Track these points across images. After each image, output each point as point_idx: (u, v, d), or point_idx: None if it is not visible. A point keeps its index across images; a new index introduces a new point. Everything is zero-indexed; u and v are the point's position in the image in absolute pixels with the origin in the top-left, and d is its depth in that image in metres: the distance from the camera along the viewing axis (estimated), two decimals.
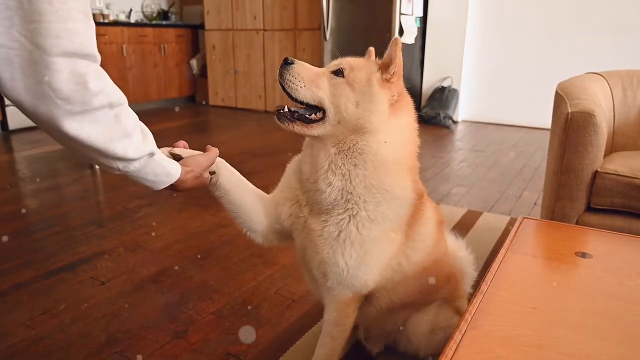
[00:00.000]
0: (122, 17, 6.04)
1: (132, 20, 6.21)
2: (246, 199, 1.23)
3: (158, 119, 5.40)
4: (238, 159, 3.65)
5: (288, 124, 1.06)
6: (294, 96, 1.04)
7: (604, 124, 1.67)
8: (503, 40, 5.08)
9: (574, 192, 1.71)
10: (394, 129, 1.04)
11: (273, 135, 4.63)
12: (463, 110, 5.43)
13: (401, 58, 1.03)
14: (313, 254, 1.11)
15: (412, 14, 4.94)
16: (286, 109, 1.07)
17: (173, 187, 1.10)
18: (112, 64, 5.45)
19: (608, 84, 2.09)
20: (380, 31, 4.80)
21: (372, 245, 1.08)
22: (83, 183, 3.11)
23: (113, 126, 0.90)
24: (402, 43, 4.75)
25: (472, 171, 3.45)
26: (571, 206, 1.73)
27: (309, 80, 1.02)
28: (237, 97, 6.15)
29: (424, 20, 5.25)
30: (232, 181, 1.24)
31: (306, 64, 1.05)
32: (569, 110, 1.67)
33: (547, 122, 2.19)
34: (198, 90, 6.59)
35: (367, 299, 1.18)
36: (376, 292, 1.17)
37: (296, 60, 1.04)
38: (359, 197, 1.05)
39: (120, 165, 0.93)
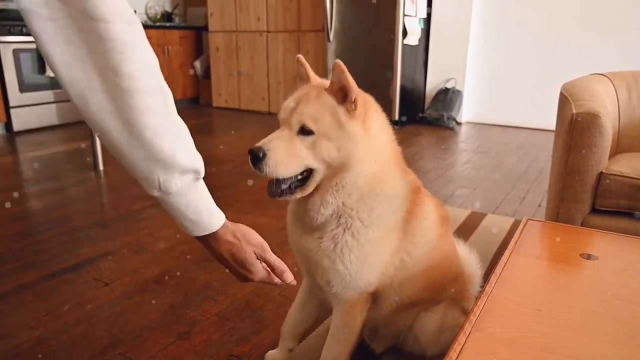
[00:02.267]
0: None
1: None
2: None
3: None
4: (241, 161, 3.66)
5: (291, 196, 1.04)
6: (282, 178, 1.01)
7: (609, 125, 1.66)
8: (507, 41, 5.07)
9: (578, 193, 1.70)
10: (374, 143, 1.05)
11: None
12: (467, 112, 5.42)
13: (352, 81, 0.99)
14: (313, 265, 1.13)
15: (415, 15, 4.93)
16: (274, 184, 1.03)
17: (208, 243, 0.94)
18: None
19: (613, 85, 2.08)
20: (383, 32, 4.80)
21: (371, 247, 1.08)
22: (87, 184, 3.12)
23: (164, 114, 0.82)
24: (406, 44, 4.72)
25: (476, 173, 3.45)
26: (576, 208, 1.72)
27: (288, 158, 0.99)
28: (240, 98, 6.15)
29: (427, 21, 5.25)
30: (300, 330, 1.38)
31: (274, 142, 0.99)
32: (574, 111, 1.67)
33: (551, 123, 2.18)
34: (201, 91, 6.60)
35: (375, 300, 1.18)
36: (382, 291, 1.16)
37: (264, 147, 0.99)
38: (352, 210, 1.06)
39: (162, 176, 0.81)
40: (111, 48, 0.72)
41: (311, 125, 0.99)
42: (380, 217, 1.07)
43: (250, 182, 3.08)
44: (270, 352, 1.41)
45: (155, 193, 0.83)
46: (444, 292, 1.29)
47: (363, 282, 1.10)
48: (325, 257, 1.09)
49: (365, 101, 1.05)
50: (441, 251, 1.23)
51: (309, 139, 0.99)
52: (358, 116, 1.01)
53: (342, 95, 1.00)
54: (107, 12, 0.70)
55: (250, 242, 0.97)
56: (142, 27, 0.77)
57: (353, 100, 0.99)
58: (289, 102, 1.04)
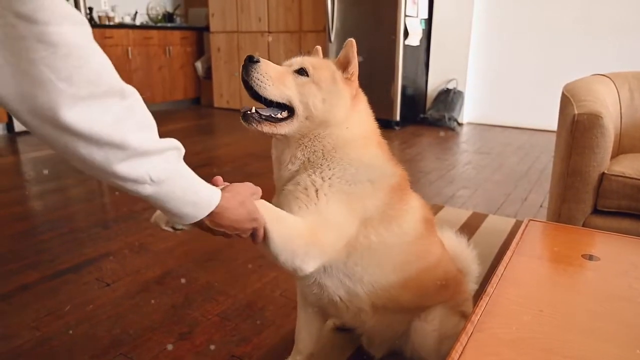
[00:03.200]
0: (128, 20, 6.06)
1: (137, 22, 6.23)
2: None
3: (163, 121, 5.41)
4: (242, 161, 3.66)
5: (256, 125, 1.06)
6: (262, 94, 1.04)
7: (610, 125, 1.66)
8: (508, 42, 5.06)
9: (580, 194, 1.70)
10: (355, 117, 1.11)
11: None
12: (468, 113, 5.41)
13: (357, 59, 1.10)
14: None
15: (417, 16, 4.93)
16: (253, 110, 1.07)
17: (214, 220, 0.85)
18: (117, 66, 5.29)
19: (615, 85, 2.08)
20: (385, 33, 4.80)
21: (338, 197, 1.04)
22: (88, 185, 3.12)
23: (126, 117, 0.71)
24: (407, 45, 4.72)
25: (478, 173, 3.44)
26: (577, 208, 1.72)
27: (276, 79, 1.03)
28: (242, 99, 6.15)
29: (429, 22, 5.25)
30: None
31: (270, 62, 1.06)
32: (576, 112, 1.67)
33: (552, 124, 2.18)
34: (203, 92, 6.60)
35: (350, 276, 1.12)
36: (348, 261, 1.10)
37: (261, 58, 1.04)
38: (320, 165, 1.08)
39: (146, 165, 0.73)
40: (65, 54, 0.62)
41: (309, 69, 1.06)
42: (354, 175, 1.07)
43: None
44: None
45: (148, 189, 0.74)
46: (431, 298, 1.25)
47: (326, 215, 1.04)
48: (300, 193, 1.05)
49: (359, 91, 1.15)
50: (420, 251, 1.18)
51: (302, 79, 1.05)
52: (351, 85, 1.10)
53: (344, 67, 1.10)
54: (50, 14, 0.60)
55: (245, 191, 0.92)
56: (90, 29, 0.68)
57: (351, 72, 1.09)
58: (298, 57, 1.12)
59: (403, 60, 4.84)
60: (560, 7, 4.75)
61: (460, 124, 5.28)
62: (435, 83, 5.40)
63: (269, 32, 5.67)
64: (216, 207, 0.84)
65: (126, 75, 5.60)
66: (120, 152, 0.69)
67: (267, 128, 1.06)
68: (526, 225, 1.31)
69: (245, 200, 0.90)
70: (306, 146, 1.08)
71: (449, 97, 5.17)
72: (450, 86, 5.27)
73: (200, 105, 6.63)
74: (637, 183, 1.62)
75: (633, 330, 0.84)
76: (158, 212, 0.93)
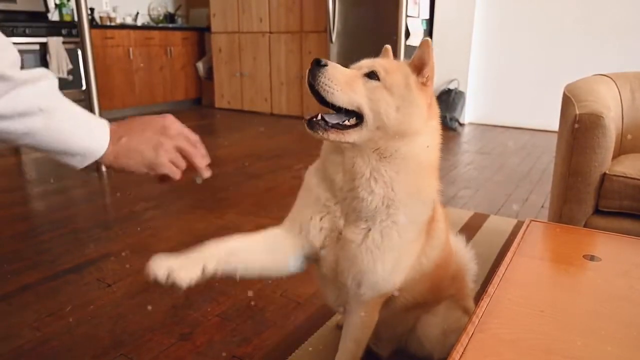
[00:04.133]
0: (129, 20, 6.07)
1: (139, 23, 6.24)
2: (261, 259, 1.11)
3: None
4: (243, 162, 3.66)
5: (323, 133, 0.98)
6: (329, 100, 0.97)
7: (612, 126, 1.65)
8: (509, 42, 5.06)
9: (581, 194, 1.70)
10: (432, 132, 1.03)
11: (279, 138, 4.64)
12: (469, 113, 5.41)
13: (433, 61, 1.00)
14: (349, 265, 1.05)
15: (418, 16, 4.93)
16: (319, 117, 1.00)
17: (118, 156, 0.79)
18: (118, 67, 5.48)
19: (616, 85, 2.07)
20: (386, 33, 4.79)
21: (406, 249, 1.06)
22: (89, 186, 3.12)
23: None
24: (409, 45, 4.69)
25: (479, 174, 3.44)
26: (579, 209, 1.72)
27: (345, 84, 0.96)
28: (243, 99, 6.16)
29: (430, 22, 5.24)
30: (231, 260, 1.08)
31: (338, 65, 0.99)
32: (577, 112, 1.66)
33: (553, 124, 2.18)
34: (204, 92, 6.61)
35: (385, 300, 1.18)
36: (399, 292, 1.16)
37: (328, 62, 0.98)
38: (400, 203, 1.01)
39: (21, 100, 0.66)
40: None
41: (380, 72, 0.97)
42: (419, 216, 1.05)
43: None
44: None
45: (38, 122, 0.67)
46: (445, 291, 1.28)
47: (390, 284, 1.08)
48: (367, 254, 1.02)
49: (434, 98, 1.05)
50: (446, 251, 1.23)
51: (373, 83, 0.97)
52: (426, 91, 1.00)
53: (418, 70, 1.00)
54: None
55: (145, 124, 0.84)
56: None
57: (426, 75, 0.99)
58: (368, 59, 1.05)
59: (404, 60, 4.83)
60: (562, 8, 4.74)
61: (461, 124, 5.27)
62: (436, 83, 5.39)
63: (270, 32, 5.67)
64: (109, 142, 0.76)
65: (127, 75, 5.61)
66: (2, 84, 0.64)
67: (333, 136, 0.97)
68: (527, 226, 1.31)
69: (146, 128, 0.83)
70: (389, 162, 0.98)
71: (450, 98, 5.16)
72: (452, 86, 5.26)
73: (201, 106, 6.63)
74: (639, 183, 1.62)
75: (634, 331, 0.84)
76: (156, 262, 0.92)
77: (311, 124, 0.99)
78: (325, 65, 0.96)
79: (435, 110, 1.06)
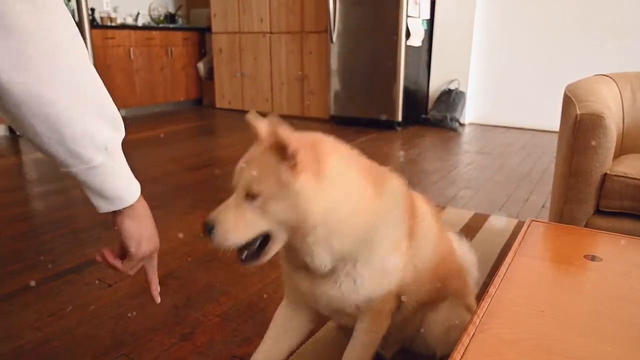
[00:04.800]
0: (130, 21, 6.07)
1: (140, 23, 6.24)
2: (288, 341, 1.26)
3: (165, 122, 5.42)
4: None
5: (258, 261, 1.00)
6: (238, 248, 0.98)
7: (613, 126, 1.65)
8: (510, 42, 5.06)
9: (582, 194, 1.70)
10: (334, 192, 0.97)
11: None
12: (470, 113, 5.41)
13: (287, 134, 0.91)
14: (340, 305, 1.10)
15: (418, 17, 4.93)
16: (243, 252, 1.01)
17: (132, 215, 0.85)
18: (119, 67, 5.48)
19: (617, 86, 2.07)
20: (386, 33, 4.80)
21: (383, 270, 1.08)
22: None
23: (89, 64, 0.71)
24: (409, 45, 4.69)
25: (479, 174, 3.44)
26: (580, 209, 1.71)
27: (237, 228, 0.95)
28: (243, 100, 6.16)
29: (430, 22, 5.24)
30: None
31: (220, 212, 0.98)
32: (578, 112, 1.66)
33: (554, 124, 2.18)
34: (205, 93, 6.61)
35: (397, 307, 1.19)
36: (402, 296, 1.17)
37: (211, 219, 0.97)
38: (350, 255, 1.03)
39: (109, 132, 0.72)
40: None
41: (255, 189, 0.94)
42: (382, 240, 1.05)
43: None
44: None
45: (100, 158, 0.73)
46: (449, 288, 1.29)
47: (384, 294, 1.10)
48: (350, 296, 1.07)
49: (317, 148, 0.97)
50: (443, 247, 1.23)
51: (257, 203, 0.94)
52: (305, 170, 0.93)
53: (283, 152, 0.92)
54: None
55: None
56: None
57: (292, 155, 0.91)
58: (239, 165, 1.00)
59: (405, 61, 4.84)
60: (562, 8, 4.74)
61: (462, 125, 5.27)
62: (437, 83, 5.39)
63: (271, 32, 5.67)
64: (139, 198, 0.84)
65: (128, 75, 5.61)
66: (98, 109, 0.71)
67: (265, 257, 0.99)
68: (528, 226, 1.31)
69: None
70: (318, 243, 0.99)
71: (450, 98, 5.16)
72: (452, 87, 5.26)
73: (202, 106, 6.64)
74: (639, 183, 1.62)
75: (635, 331, 0.84)
76: None
77: (244, 262, 1.01)
78: (212, 228, 0.96)
79: (331, 167, 0.97)
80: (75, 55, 0.67)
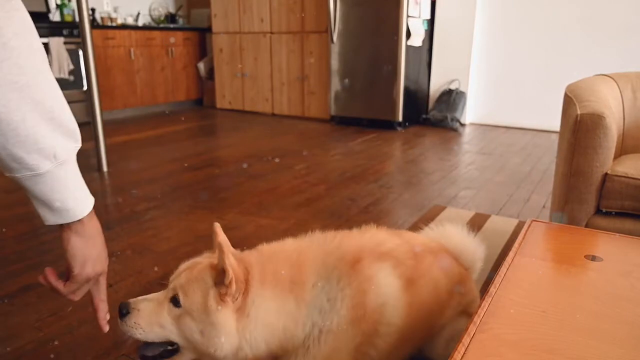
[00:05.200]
0: (130, 21, 6.07)
1: (140, 23, 6.24)
2: None
3: (165, 122, 5.42)
4: (244, 162, 3.66)
5: None
6: (141, 340, 0.99)
7: (613, 126, 1.65)
8: (511, 42, 5.06)
9: (583, 194, 1.70)
10: (253, 330, 0.95)
11: (279, 139, 4.64)
12: (470, 113, 5.41)
13: (232, 260, 0.93)
14: None
15: (419, 17, 4.93)
16: (146, 349, 1.01)
17: (81, 231, 0.81)
18: (119, 67, 5.48)
19: (618, 86, 2.07)
20: (387, 34, 4.80)
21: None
22: (91, 186, 3.11)
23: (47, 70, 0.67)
24: (410, 45, 4.70)
25: (480, 174, 3.44)
26: (580, 209, 1.71)
27: (148, 324, 0.97)
28: (244, 100, 6.16)
29: (431, 22, 5.24)
30: None
31: (144, 301, 0.98)
32: (578, 112, 1.66)
33: (554, 124, 2.18)
34: (205, 93, 6.61)
35: None
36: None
37: (131, 305, 0.98)
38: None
39: (59, 140, 0.68)
40: None
41: (180, 297, 0.95)
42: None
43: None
44: None
45: (47, 165, 0.68)
46: (441, 318, 1.24)
47: None
48: None
49: (249, 278, 0.96)
50: (421, 297, 1.13)
51: (177, 310, 0.95)
52: (231, 304, 0.93)
53: (221, 276, 0.92)
54: None
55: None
56: None
57: (227, 284, 0.91)
58: (181, 266, 1.01)
59: (405, 61, 4.84)
60: (563, 8, 4.74)
61: (462, 125, 5.27)
62: (437, 84, 5.39)
63: (271, 32, 5.67)
64: (90, 213, 0.78)
65: (129, 76, 5.61)
66: (48, 115, 0.66)
67: None
68: (529, 226, 1.31)
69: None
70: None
71: (451, 98, 5.16)
72: (453, 87, 5.26)
73: (202, 106, 6.64)
74: None
75: (636, 331, 0.84)
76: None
77: (142, 358, 1.01)
78: (128, 313, 0.97)
79: (259, 305, 0.96)
80: (26, 55, 0.63)
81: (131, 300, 0.98)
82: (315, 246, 1.08)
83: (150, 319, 0.97)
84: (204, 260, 1.02)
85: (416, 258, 1.16)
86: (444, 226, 1.53)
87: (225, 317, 0.93)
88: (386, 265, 1.08)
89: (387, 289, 1.06)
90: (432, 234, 1.51)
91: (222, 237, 1.02)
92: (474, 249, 1.46)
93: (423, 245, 1.26)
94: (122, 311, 0.98)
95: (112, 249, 2.18)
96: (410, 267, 1.12)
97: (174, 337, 0.96)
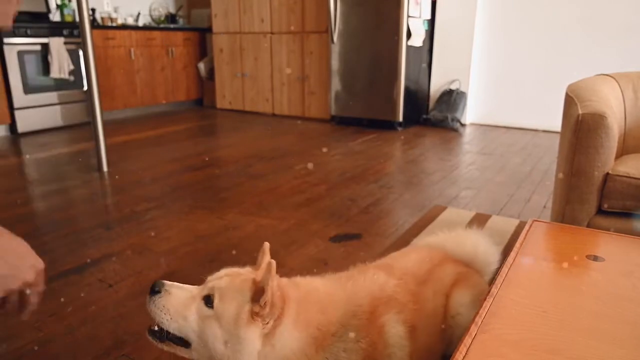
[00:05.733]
0: (130, 21, 6.07)
1: (140, 23, 6.24)
2: None
3: (165, 122, 5.41)
4: (245, 162, 3.65)
5: (157, 343, 1.00)
6: (160, 325, 0.98)
7: (615, 125, 1.65)
8: (511, 42, 5.06)
9: (584, 194, 1.69)
10: (277, 353, 0.94)
11: (280, 139, 4.63)
12: (471, 113, 5.40)
13: (275, 284, 0.91)
14: None
15: (419, 17, 4.93)
16: (161, 332, 1.00)
17: None
18: (120, 68, 5.48)
19: (619, 85, 2.07)
20: (387, 34, 4.79)
21: None
22: (91, 186, 3.12)
23: None
24: (410, 46, 4.68)
25: (481, 174, 3.43)
26: (582, 209, 1.71)
27: (176, 312, 0.96)
28: (244, 100, 6.16)
29: (431, 23, 5.24)
30: None
31: (176, 287, 0.98)
32: (580, 112, 1.66)
33: (555, 125, 2.18)
34: (205, 93, 6.61)
35: None
36: None
37: (166, 286, 0.98)
38: None
39: None
40: None
41: (215, 299, 0.94)
42: None
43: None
44: None
45: None
46: (442, 342, 1.23)
47: None
48: None
49: (285, 305, 0.95)
50: (423, 339, 1.13)
51: (208, 311, 0.94)
52: (261, 326, 0.92)
53: (259, 294, 0.92)
54: None
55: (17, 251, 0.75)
56: None
57: (262, 304, 0.91)
58: (223, 271, 1.00)
59: (406, 61, 4.83)
60: (563, 8, 4.73)
61: (463, 125, 5.27)
62: (438, 84, 5.39)
63: (272, 33, 5.67)
64: None
65: (129, 76, 5.61)
66: None
67: (167, 347, 0.99)
68: (530, 226, 1.31)
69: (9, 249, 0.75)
70: None
71: (451, 98, 5.16)
72: (453, 87, 5.26)
73: (202, 106, 6.63)
74: None
75: (638, 331, 0.84)
76: None
77: (150, 332, 1.01)
78: (159, 292, 0.96)
79: (287, 333, 0.95)
80: None
81: (165, 281, 0.97)
82: (340, 292, 1.07)
83: (178, 308, 0.95)
84: (248, 273, 1.00)
85: (414, 298, 1.15)
86: (456, 231, 1.52)
87: (253, 336, 0.92)
88: (393, 312, 1.08)
89: (394, 339, 1.06)
90: (444, 237, 1.49)
91: (269, 258, 1.01)
92: (487, 254, 1.46)
93: (418, 269, 1.24)
94: (154, 288, 0.96)
95: (112, 249, 2.18)
96: (412, 311, 1.12)
97: (193, 336, 0.94)
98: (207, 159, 3.74)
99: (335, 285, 1.10)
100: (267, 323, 0.93)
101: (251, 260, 2.07)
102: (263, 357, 0.93)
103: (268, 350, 0.93)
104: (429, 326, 1.16)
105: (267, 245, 1.06)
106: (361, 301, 1.05)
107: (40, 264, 0.80)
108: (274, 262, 0.90)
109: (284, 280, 1.04)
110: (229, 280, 0.97)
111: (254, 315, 0.91)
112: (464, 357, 0.76)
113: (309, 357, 0.97)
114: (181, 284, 1.00)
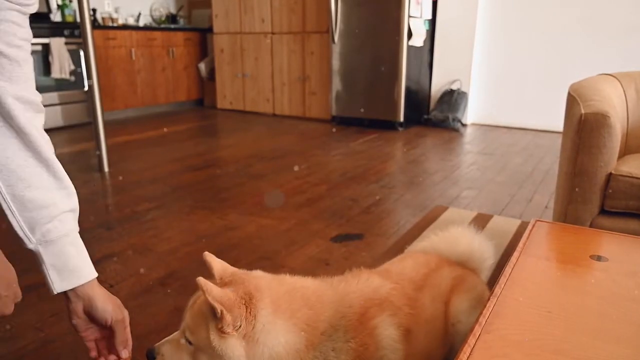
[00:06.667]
0: (131, 21, 6.07)
1: (141, 24, 6.24)
2: None
3: (166, 123, 5.41)
4: (245, 162, 3.65)
5: None
6: None
7: (618, 125, 1.64)
8: (512, 42, 5.05)
9: (587, 194, 1.69)
10: (261, 354, 0.94)
11: (280, 139, 4.63)
12: (472, 113, 5.40)
13: (216, 296, 0.89)
14: None
15: (420, 17, 4.92)
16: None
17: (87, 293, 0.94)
18: (120, 68, 5.48)
19: (621, 85, 2.06)
20: (388, 34, 4.79)
21: None
22: (91, 186, 3.12)
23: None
24: (411, 46, 4.68)
25: (482, 174, 3.43)
26: (584, 209, 1.70)
27: None
28: (245, 100, 6.16)
29: (432, 23, 5.24)
30: None
31: (167, 343, 1.01)
32: (582, 112, 1.65)
33: (556, 125, 2.17)
34: (206, 93, 6.61)
35: None
36: None
37: (157, 349, 1.00)
38: None
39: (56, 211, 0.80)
40: None
41: (189, 337, 0.96)
42: None
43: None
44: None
45: (29, 245, 0.78)
46: (441, 347, 1.23)
47: None
48: None
49: (250, 303, 0.94)
50: (418, 343, 1.12)
51: (191, 348, 0.96)
52: (234, 333, 0.91)
53: (214, 312, 0.91)
54: None
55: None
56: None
57: (220, 318, 0.89)
58: (189, 302, 1.01)
59: (407, 61, 4.83)
60: (564, 8, 4.73)
61: (464, 125, 5.26)
62: (439, 84, 5.39)
63: (273, 33, 5.67)
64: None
65: (129, 76, 5.61)
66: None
67: None
68: (533, 226, 1.30)
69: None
70: None
71: (452, 98, 5.16)
72: (454, 87, 5.26)
73: (203, 107, 6.63)
74: None
75: None
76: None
77: None
78: (154, 358, 1.00)
79: (265, 329, 0.94)
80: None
81: (156, 345, 1.00)
82: (330, 292, 1.06)
83: (175, 355, 0.99)
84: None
85: (410, 302, 1.14)
86: (449, 231, 1.52)
87: (233, 347, 0.91)
88: (386, 314, 1.07)
89: (386, 341, 1.05)
90: (437, 239, 1.49)
91: (214, 264, 1.03)
92: (482, 251, 1.46)
93: (415, 274, 1.23)
94: (149, 356, 1.01)
95: (112, 249, 2.17)
96: (407, 315, 1.11)
97: None
98: (207, 158, 3.73)
99: (326, 285, 1.09)
100: (239, 326, 0.92)
101: (251, 260, 2.07)
102: (259, 356, 0.93)
103: (256, 348, 0.93)
104: (427, 331, 1.15)
105: (206, 254, 1.07)
106: (352, 302, 1.05)
107: (9, 273, 0.87)
108: (201, 279, 0.90)
109: (258, 272, 1.04)
110: (191, 310, 0.99)
111: (220, 330, 0.91)
112: (467, 357, 0.76)
113: (300, 354, 0.96)
114: (168, 337, 1.02)
